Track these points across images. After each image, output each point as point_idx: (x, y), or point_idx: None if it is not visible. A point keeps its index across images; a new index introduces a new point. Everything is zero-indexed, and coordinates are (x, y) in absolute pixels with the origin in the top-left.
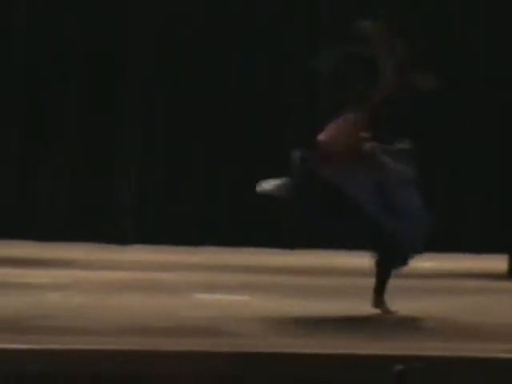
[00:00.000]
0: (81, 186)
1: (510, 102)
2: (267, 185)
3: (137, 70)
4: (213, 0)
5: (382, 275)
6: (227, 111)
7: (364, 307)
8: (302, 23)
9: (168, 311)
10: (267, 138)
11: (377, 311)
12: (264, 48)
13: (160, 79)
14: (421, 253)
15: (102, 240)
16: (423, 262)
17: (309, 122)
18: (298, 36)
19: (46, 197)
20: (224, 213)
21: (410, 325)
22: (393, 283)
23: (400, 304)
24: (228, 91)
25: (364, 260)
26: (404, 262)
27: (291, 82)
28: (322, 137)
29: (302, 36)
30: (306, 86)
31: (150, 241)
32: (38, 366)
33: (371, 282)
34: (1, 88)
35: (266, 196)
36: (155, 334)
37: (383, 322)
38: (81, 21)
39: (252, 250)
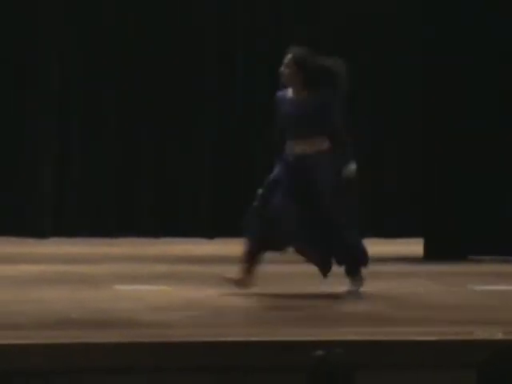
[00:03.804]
0: None
1: None
2: None
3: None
4: None
5: None
6: (146, 99)
7: (286, 294)
8: None
9: (88, 304)
10: (182, 130)
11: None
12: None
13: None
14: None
15: (20, 234)
16: None
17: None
18: None
19: None
20: (142, 203)
21: (329, 310)
22: (309, 269)
23: (317, 289)
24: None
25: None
26: None
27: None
28: None
29: None
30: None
31: (69, 233)
32: None
33: (296, 268)
34: None
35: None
36: (76, 327)
37: (302, 309)
38: None
39: (171, 239)
